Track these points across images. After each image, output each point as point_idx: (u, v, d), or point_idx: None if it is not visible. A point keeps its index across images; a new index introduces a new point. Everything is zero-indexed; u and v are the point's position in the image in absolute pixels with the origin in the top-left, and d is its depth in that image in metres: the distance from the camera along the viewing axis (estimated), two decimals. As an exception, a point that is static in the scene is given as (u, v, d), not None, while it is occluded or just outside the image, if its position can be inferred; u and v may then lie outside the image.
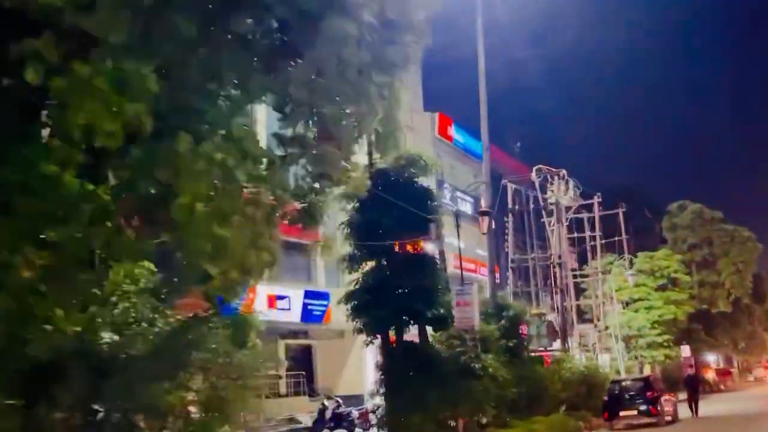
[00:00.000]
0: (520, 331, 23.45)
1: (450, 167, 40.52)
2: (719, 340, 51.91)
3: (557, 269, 30.47)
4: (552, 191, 30.48)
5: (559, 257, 30.45)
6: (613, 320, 34.48)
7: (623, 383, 24.83)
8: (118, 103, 5.05)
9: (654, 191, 52.92)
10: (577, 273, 37.59)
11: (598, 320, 35.91)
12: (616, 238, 38.50)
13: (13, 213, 5.37)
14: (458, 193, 38.06)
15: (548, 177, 31.46)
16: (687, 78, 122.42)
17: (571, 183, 32.10)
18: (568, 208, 35.61)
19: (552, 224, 30.86)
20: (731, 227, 48.74)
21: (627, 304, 38.68)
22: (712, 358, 63.19)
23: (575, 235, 36.48)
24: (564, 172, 31.61)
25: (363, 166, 18.66)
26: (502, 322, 21.84)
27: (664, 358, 37.29)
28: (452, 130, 41.38)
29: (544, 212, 31.80)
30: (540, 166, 31.80)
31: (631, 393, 23.64)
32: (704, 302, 48.75)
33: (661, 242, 50.17)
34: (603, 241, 38.30)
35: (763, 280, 57.72)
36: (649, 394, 23.52)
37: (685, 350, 43.48)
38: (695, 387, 28.16)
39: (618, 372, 32.59)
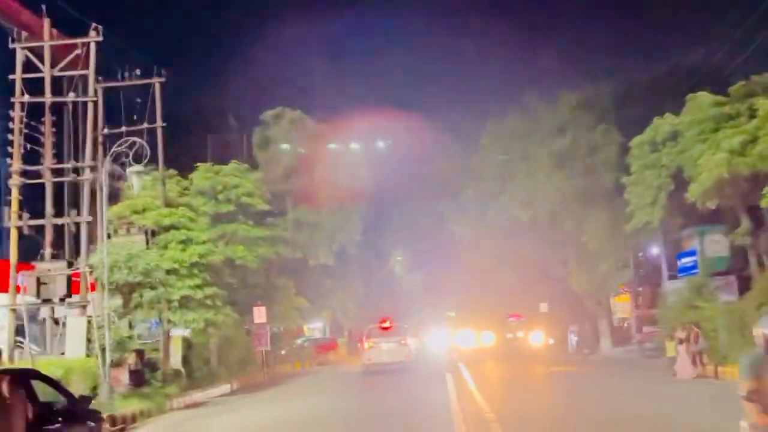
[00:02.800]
0: None
1: None
2: (317, 302, 39.67)
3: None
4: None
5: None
6: (102, 256, 18.52)
7: None
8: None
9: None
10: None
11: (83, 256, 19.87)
12: (146, 126, 22.64)
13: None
14: None
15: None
16: None
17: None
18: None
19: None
20: (340, 146, 36.43)
21: (154, 233, 23.18)
22: (312, 325, 52.24)
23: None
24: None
25: None
26: None
27: (204, 324, 22.52)
28: None
29: None
30: None
31: None
32: (300, 249, 35.84)
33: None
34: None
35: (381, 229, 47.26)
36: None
37: (259, 313, 29.78)
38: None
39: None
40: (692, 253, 36.38)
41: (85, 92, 21.65)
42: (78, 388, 17.76)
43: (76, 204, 21.24)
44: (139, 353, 22.27)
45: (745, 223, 25.23)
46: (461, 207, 39.98)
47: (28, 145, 20.62)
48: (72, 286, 20.57)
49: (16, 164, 20.20)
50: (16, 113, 20.23)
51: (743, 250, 27.86)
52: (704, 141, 24.98)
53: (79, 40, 20.94)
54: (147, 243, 23.18)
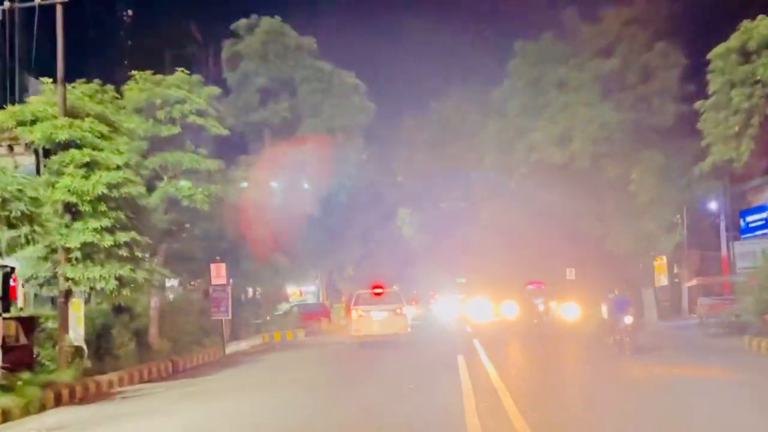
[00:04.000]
0: None
1: None
2: (303, 261, 32.99)
3: None
4: None
5: None
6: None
7: None
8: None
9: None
10: None
11: None
12: None
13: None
14: None
15: None
16: None
17: None
18: None
19: None
20: (329, 67, 29.23)
21: (48, 154, 16.43)
22: (305, 289, 45.84)
23: None
24: None
25: None
26: None
27: (117, 284, 15.78)
28: None
29: None
30: None
31: None
32: (280, 194, 29.08)
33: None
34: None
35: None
36: None
37: (217, 271, 23.31)
38: None
39: None
40: (762, 209, 29.69)
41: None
42: None
43: None
44: (26, 323, 15.79)
45: None
46: (479, 149, 32.87)
47: None
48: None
49: None
50: None
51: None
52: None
53: None
54: (38, 166, 16.50)
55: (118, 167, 16.37)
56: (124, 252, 16.18)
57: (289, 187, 28.81)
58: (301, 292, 51.69)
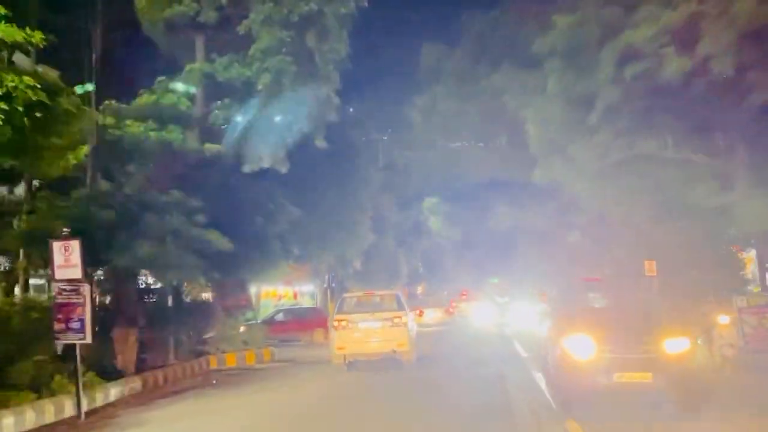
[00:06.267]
0: None
1: None
2: (268, 242, 21.95)
3: None
4: None
5: None
6: None
7: None
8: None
9: None
10: None
11: None
12: None
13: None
14: None
15: None
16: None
17: None
18: None
19: None
20: None
21: None
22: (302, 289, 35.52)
23: None
24: None
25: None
26: None
27: None
28: None
29: None
30: None
31: None
32: (222, 138, 18.19)
33: None
34: None
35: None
36: None
37: (66, 257, 12.66)
38: None
39: None
40: None
41: None
42: None
43: None
44: None
45: None
46: (537, 70, 21.63)
47: None
48: None
49: None
50: None
51: None
52: None
53: None
54: None
55: None
56: None
57: (231, 125, 17.97)
58: (295, 293, 41.07)
